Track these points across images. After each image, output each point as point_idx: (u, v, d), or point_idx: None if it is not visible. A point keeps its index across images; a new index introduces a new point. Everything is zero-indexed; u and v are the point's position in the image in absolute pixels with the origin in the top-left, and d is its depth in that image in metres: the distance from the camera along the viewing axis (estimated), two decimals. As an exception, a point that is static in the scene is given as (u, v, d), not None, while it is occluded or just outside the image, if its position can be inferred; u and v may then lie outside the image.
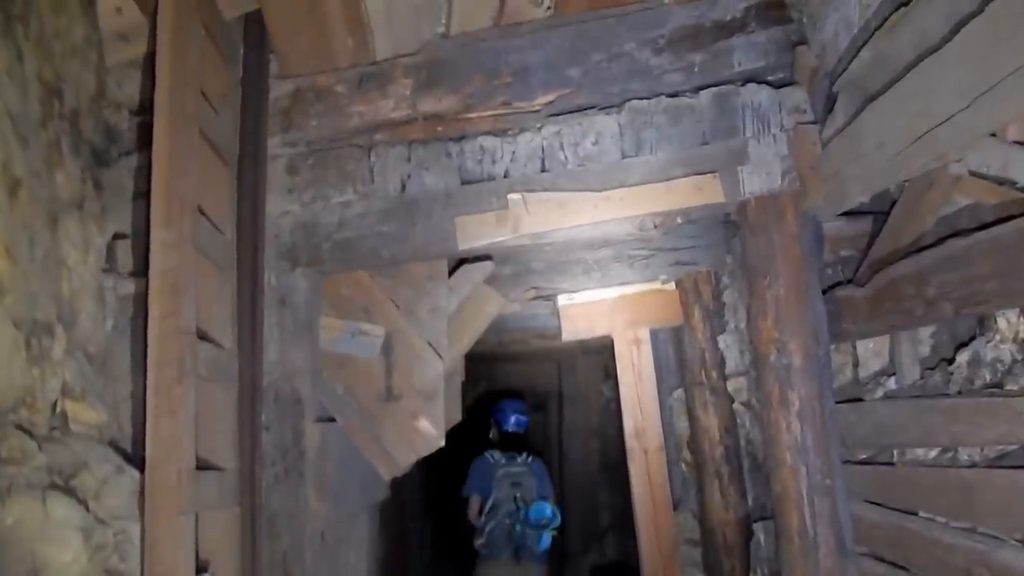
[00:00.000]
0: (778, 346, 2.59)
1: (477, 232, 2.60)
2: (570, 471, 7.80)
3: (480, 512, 4.77)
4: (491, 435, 5.30)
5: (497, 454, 4.97)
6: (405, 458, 2.74)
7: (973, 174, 1.98)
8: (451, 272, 2.95)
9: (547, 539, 4.67)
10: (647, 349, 3.66)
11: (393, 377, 2.76)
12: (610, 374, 7.86)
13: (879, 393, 2.46)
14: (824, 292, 2.67)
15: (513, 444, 5.05)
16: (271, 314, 2.62)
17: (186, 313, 2.06)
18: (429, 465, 8.96)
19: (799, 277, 2.59)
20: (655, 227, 2.69)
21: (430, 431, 2.74)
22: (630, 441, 3.62)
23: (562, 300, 3.72)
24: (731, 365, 3.59)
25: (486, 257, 3.01)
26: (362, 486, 3.03)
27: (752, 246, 2.67)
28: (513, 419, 5.20)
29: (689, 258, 3.64)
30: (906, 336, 2.36)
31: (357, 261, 2.65)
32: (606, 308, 3.67)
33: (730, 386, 3.48)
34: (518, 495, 4.72)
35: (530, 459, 4.97)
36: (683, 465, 4.14)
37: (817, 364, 2.56)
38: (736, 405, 3.51)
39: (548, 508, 4.69)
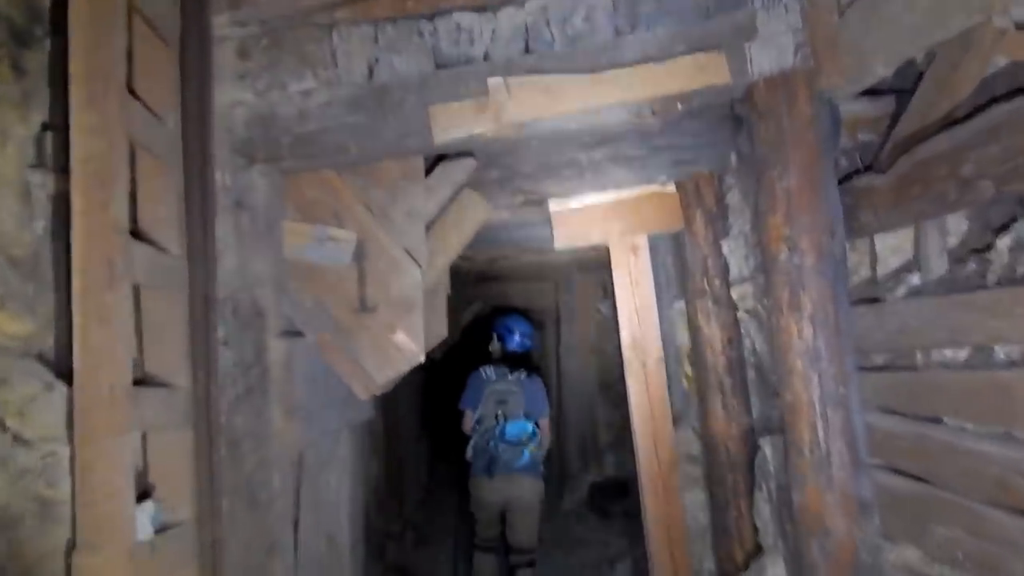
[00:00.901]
0: (789, 244, 2.34)
1: (455, 122, 2.31)
2: (568, 390, 7.70)
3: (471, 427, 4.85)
4: (491, 348, 5.27)
5: (490, 370, 4.97)
6: (382, 374, 2.53)
7: (1021, 28, 1.70)
8: (429, 171, 2.67)
9: (527, 456, 4.66)
10: (645, 256, 3.42)
11: (367, 287, 2.53)
12: (608, 292, 7.68)
13: (900, 291, 2.22)
14: (840, 183, 2.41)
15: (511, 362, 5.02)
16: (226, 217, 2.36)
17: (116, 209, 1.80)
18: (427, 384, 8.92)
19: (813, 166, 2.32)
20: (653, 114, 2.40)
21: (408, 345, 2.51)
22: (627, 353, 3.41)
23: (553, 206, 3.45)
24: (735, 271, 3.35)
25: (467, 155, 2.73)
26: (339, 405, 2.83)
27: (761, 134, 2.39)
28: (517, 339, 5.17)
29: (690, 157, 3.35)
30: (933, 225, 2.11)
31: (322, 157, 2.37)
32: (601, 213, 3.41)
33: (734, 293, 3.25)
34: (500, 412, 4.74)
35: (524, 376, 4.94)
36: (684, 380, 3.95)
37: (831, 262, 2.32)
38: (740, 314, 3.29)
39: (527, 425, 4.67)
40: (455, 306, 8.34)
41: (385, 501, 6.45)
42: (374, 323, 2.52)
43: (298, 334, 2.52)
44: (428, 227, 3.06)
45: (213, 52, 2.32)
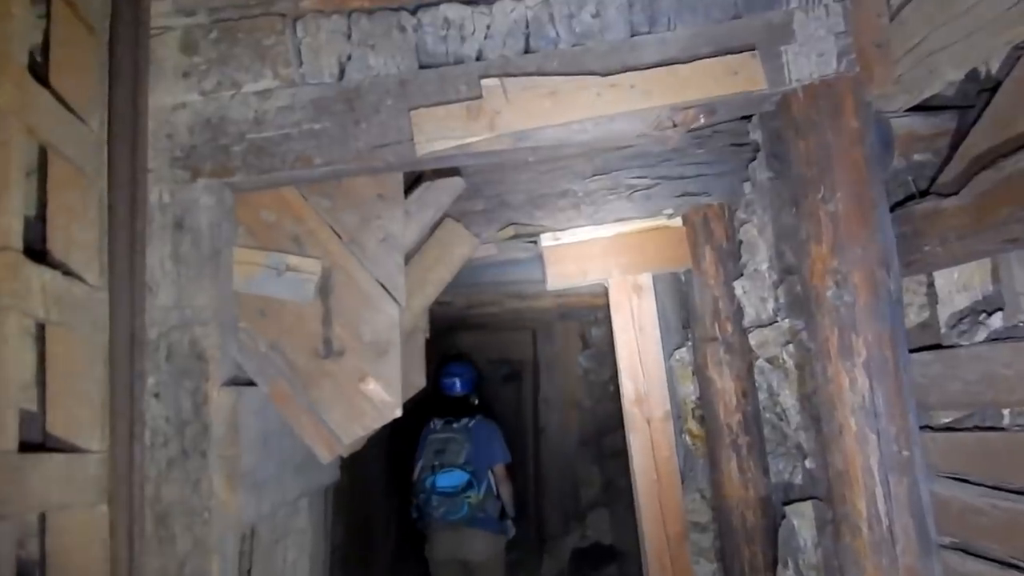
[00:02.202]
0: (837, 278, 1.98)
1: (441, 130, 1.94)
2: (547, 446, 7.26)
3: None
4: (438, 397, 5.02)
5: (438, 421, 4.76)
6: (349, 432, 2.09)
7: None
8: (408, 190, 2.28)
9: (466, 508, 4.38)
10: (649, 298, 3.04)
11: (333, 327, 2.11)
12: (588, 343, 7.31)
13: (979, 335, 1.85)
14: (891, 209, 2.06)
15: (455, 408, 4.81)
16: (162, 241, 1.94)
17: (5, 221, 1.38)
18: (394, 435, 8.37)
19: (862, 188, 1.98)
20: (674, 126, 2.05)
21: (382, 396, 2.09)
22: (630, 408, 3.01)
23: (547, 240, 3.08)
24: (751, 315, 2.99)
25: (453, 172, 2.36)
26: (298, 469, 2.38)
27: (800, 151, 2.05)
28: (457, 384, 4.95)
29: (698, 188, 3.01)
30: (1019, 258, 1.76)
31: (281, 171, 1.97)
32: (600, 249, 3.04)
33: (752, 340, 2.87)
34: (436, 462, 4.51)
35: (472, 423, 4.66)
36: (687, 436, 3.55)
37: (888, 301, 1.96)
38: (759, 363, 2.91)
39: (460, 475, 4.42)
40: (428, 356, 7.90)
41: (350, 565, 5.89)
42: (341, 370, 2.09)
43: (248, 383, 2.08)
44: (408, 258, 2.66)
45: (151, 44, 1.94)
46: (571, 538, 6.46)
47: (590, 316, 6.76)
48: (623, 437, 6.21)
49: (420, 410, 6.99)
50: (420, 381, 2.92)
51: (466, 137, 1.93)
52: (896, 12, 1.94)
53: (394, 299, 2.14)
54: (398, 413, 2.12)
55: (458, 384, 4.99)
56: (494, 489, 4.55)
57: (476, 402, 5.08)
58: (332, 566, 4.85)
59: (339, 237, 2.14)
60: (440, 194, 2.32)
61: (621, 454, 6.49)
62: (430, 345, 7.52)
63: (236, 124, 1.96)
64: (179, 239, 1.95)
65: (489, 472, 4.57)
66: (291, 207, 2.13)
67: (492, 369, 9.17)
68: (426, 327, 3.06)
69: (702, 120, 2.09)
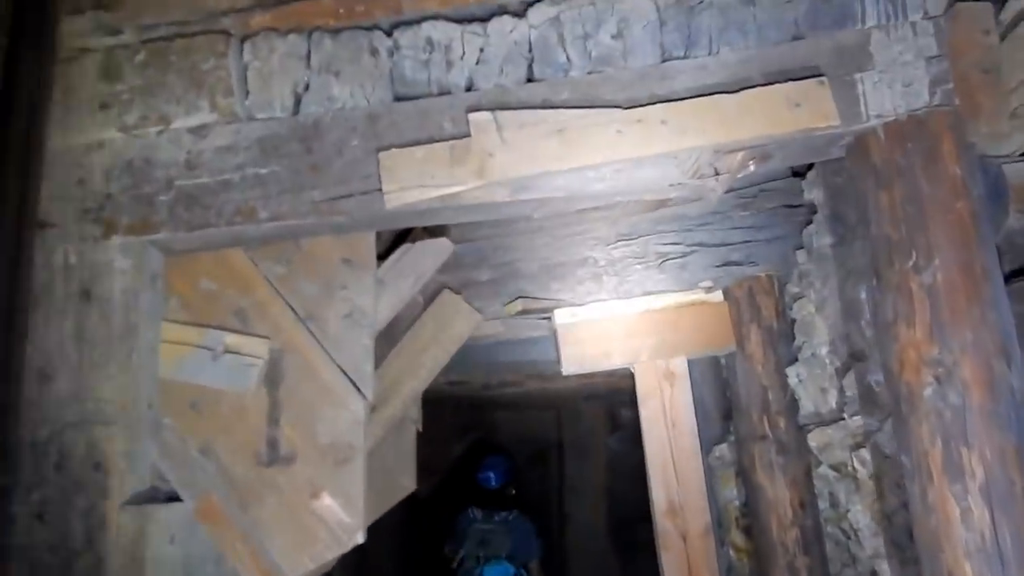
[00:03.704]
0: (938, 372, 1.49)
1: (418, 176, 1.51)
2: (574, 534, 6.67)
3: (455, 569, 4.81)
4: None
5: (477, 510, 4.95)
6: (296, 565, 1.60)
7: None
8: (383, 255, 1.85)
9: None
10: (684, 386, 2.55)
11: (281, 425, 1.65)
12: (617, 424, 6.78)
13: None
14: (1007, 280, 1.59)
15: (494, 501, 5.01)
16: (64, 315, 1.52)
17: None
18: (410, 524, 7.80)
19: (969, 253, 1.51)
20: (717, 174, 1.60)
21: (339, 518, 1.61)
22: (662, 521, 2.48)
23: (562, 317, 2.61)
24: (808, 408, 2.48)
25: (440, 233, 1.93)
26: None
27: (881, 206, 1.59)
28: (483, 476, 5.17)
29: (743, 256, 2.55)
30: None
31: (217, 227, 1.55)
32: (625, 328, 2.57)
33: (812, 441, 2.36)
34: (480, 553, 4.72)
35: (511, 516, 4.92)
36: (731, 551, 2.99)
37: (1010, 403, 1.47)
38: (821, 469, 2.38)
39: (508, 568, 4.65)
40: (445, 436, 7.41)
41: None
42: (289, 482, 1.63)
43: (169, 499, 1.62)
44: (387, 338, 2.23)
45: (65, 69, 1.56)
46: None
47: (618, 396, 6.29)
48: (649, 527, 5.64)
49: (436, 498, 6.48)
50: (410, 484, 2.44)
51: (450, 186, 1.50)
52: (1010, 28, 1.51)
53: (359, 391, 1.68)
54: (360, 539, 1.63)
55: (493, 478, 5.16)
56: None
57: (512, 493, 5.22)
58: None
59: (294, 312, 1.71)
60: (422, 259, 1.89)
61: (646, 546, 5.89)
62: (449, 423, 7.04)
63: (164, 168, 1.56)
64: (85, 312, 1.53)
65: (526, 569, 4.79)
66: (237, 274, 1.70)
67: (515, 450, 8.62)
68: (418, 418, 2.59)
69: (752, 167, 1.65)
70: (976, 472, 1.45)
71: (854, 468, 2.20)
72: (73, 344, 1.52)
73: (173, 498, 1.62)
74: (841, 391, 2.32)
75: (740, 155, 1.59)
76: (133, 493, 1.51)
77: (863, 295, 2.17)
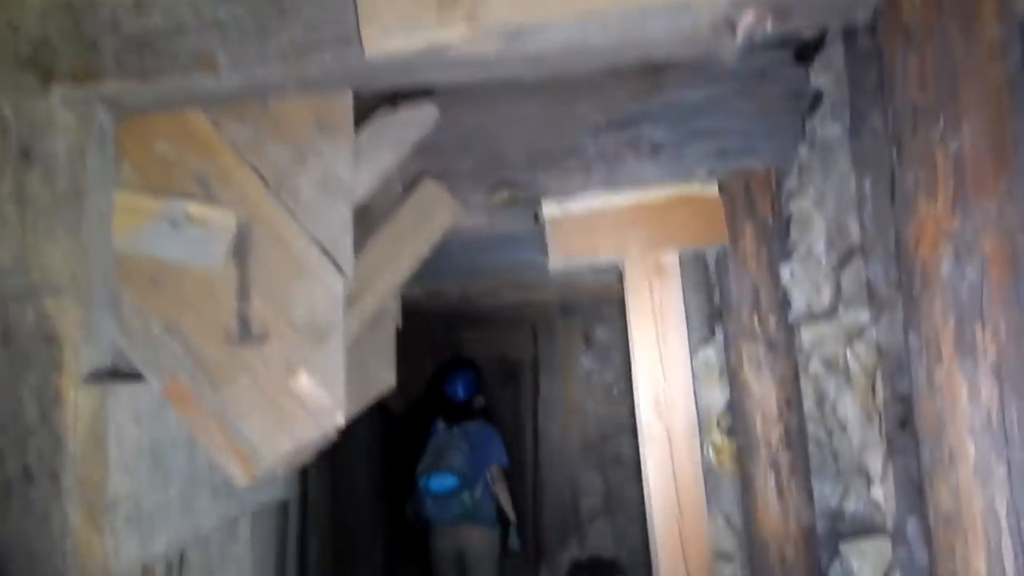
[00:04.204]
0: (957, 246, 1.40)
1: (402, 19, 1.35)
2: (546, 452, 6.74)
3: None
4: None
5: (441, 423, 5.08)
6: (273, 447, 1.51)
7: None
8: (360, 120, 1.70)
9: (458, 507, 4.73)
10: (675, 282, 2.45)
11: (252, 301, 1.52)
12: (591, 342, 6.78)
13: None
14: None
15: (462, 413, 5.13)
16: (0, 174, 1.36)
17: None
18: (388, 442, 7.82)
19: (1001, 121, 1.40)
20: (732, 30, 1.46)
21: (319, 398, 1.50)
22: (646, 416, 2.42)
23: (549, 210, 2.49)
24: (800, 306, 2.41)
25: (425, 94, 1.77)
26: (219, 489, 1.80)
27: (911, 70, 1.46)
28: (450, 387, 5.31)
29: (741, 146, 2.43)
30: None
31: (171, 75, 1.39)
32: (614, 221, 2.45)
33: (805, 336, 2.30)
34: (433, 465, 4.86)
35: (473, 427, 5.01)
36: (710, 451, 2.97)
37: (1031, 280, 1.39)
38: (813, 365, 2.33)
39: (450, 478, 4.75)
40: (421, 356, 7.36)
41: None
42: (263, 361, 1.51)
43: (131, 376, 1.50)
44: (363, 227, 2.09)
45: None
46: (569, 551, 5.90)
47: (594, 313, 6.27)
48: (627, 443, 5.66)
49: (414, 417, 6.47)
50: (389, 378, 2.34)
51: (437, 31, 1.35)
52: None
53: (337, 266, 1.55)
54: (340, 421, 1.53)
55: (460, 389, 5.29)
56: (491, 490, 4.85)
57: (482, 404, 5.35)
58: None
59: (263, 180, 1.56)
60: (404, 127, 1.73)
61: (625, 461, 5.94)
62: (425, 343, 7.00)
63: (108, 8, 1.38)
64: (25, 173, 1.37)
65: (487, 473, 4.85)
66: (197, 137, 1.54)
67: (490, 368, 8.61)
68: (398, 314, 2.48)
69: (769, 26, 1.51)
70: (988, 350, 1.38)
71: (846, 363, 2.15)
72: (13, 208, 1.37)
73: (133, 376, 1.50)
74: (836, 287, 2.25)
75: (757, 10, 1.45)
76: (91, 369, 1.38)
77: (867, 186, 2.08)
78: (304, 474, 3.99)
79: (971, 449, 1.39)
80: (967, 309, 1.39)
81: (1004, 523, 1.36)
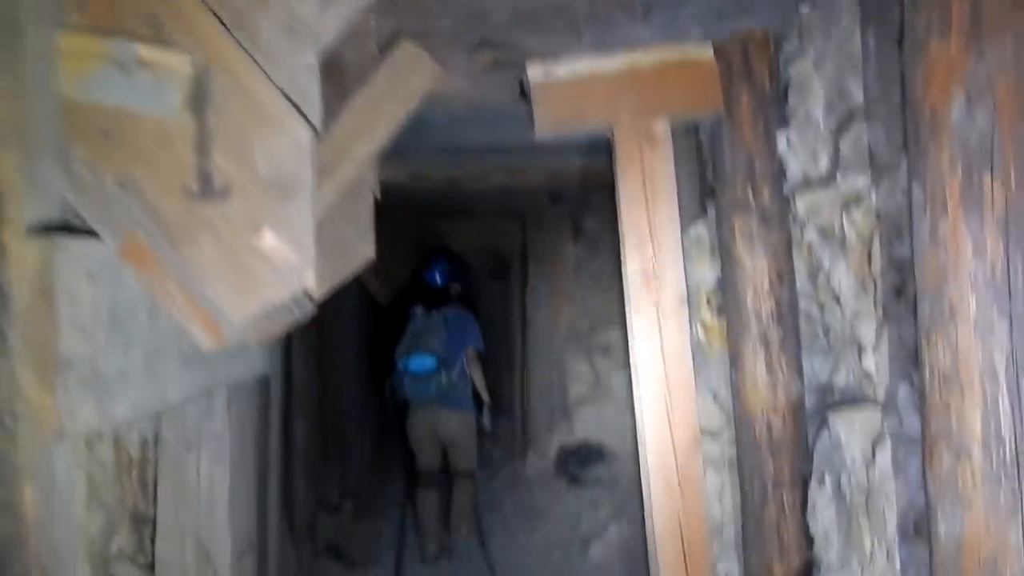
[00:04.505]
0: (968, 89, 1.30)
1: None
2: (534, 340, 6.78)
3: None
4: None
5: (419, 308, 5.22)
6: (240, 309, 1.44)
7: None
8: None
9: (433, 389, 4.88)
10: (666, 150, 2.34)
11: (212, 155, 1.42)
12: (580, 231, 6.70)
13: None
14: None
15: (440, 299, 5.27)
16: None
17: None
18: (374, 332, 7.86)
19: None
20: None
21: (285, 256, 1.42)
22: (635, 289, 2.36)
23: (536, 74, 2.35)
24: (795, 175, 2.32)
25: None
26: (190, 357, 1.75)
27: None
28: (429, 274, 5.43)
29: (737, 6, 2.27)
30: None
31: None
32: (604, 86, 2.32)
33: (801, 204, 2.22)
34: (412, 347, 5.01)
35: (450, 312, 5.15)
36: (699, 329, 2.95)
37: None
38: (808, 234, 2.26)
39: (429, 360, 4.90)
40: (407, 247, 7.29)
41: (318, 469, 5.42)
42: (225, 218, 1.42)
43: (85, 233, 1.41)
44: (336, 90, 1.96)
45: None
46: (557, 436, 6.01)
47: (583, 202, 6.17)
48: (614, 333, 5.68)
49: (399, 307, 6.47)
50: (368, 251, 2.26)
51: None
52: None
53: (303, 116, 1.44)
54: (309, 282, 1.46)
55: (438, 276, 5.41)
56: (467, 373, 5.03)
57: (459, 291, 5.45)
58: (290, 474, 4.35)
59: (219, 20, 1.43)
60: (375, -37, 1.59)
61: (613, 350, 5.98)
62: (410, 231, 6.95)
63: None
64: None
65: (463, 357, 5.02)
66: (145, -30, 1.40)
67: (478, 260, 8.57)
68: (376, 183, 2.37)
69: None
70: (996, 201, 1.30)
71: (842, 230, 2.07)
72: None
73: (86, 233, 1.42)
74: (835, 152, 2.15)
75: None
76: (36, 221, 1.29)
77: (872, 41, 1.95)
78: (288, 356, 3.97)
79: (972, 304, 1.34)
80: (976, 157, 1.31)
81: (1002, 379, 1.33)
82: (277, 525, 3.49)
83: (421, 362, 4.94)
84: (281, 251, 1.42)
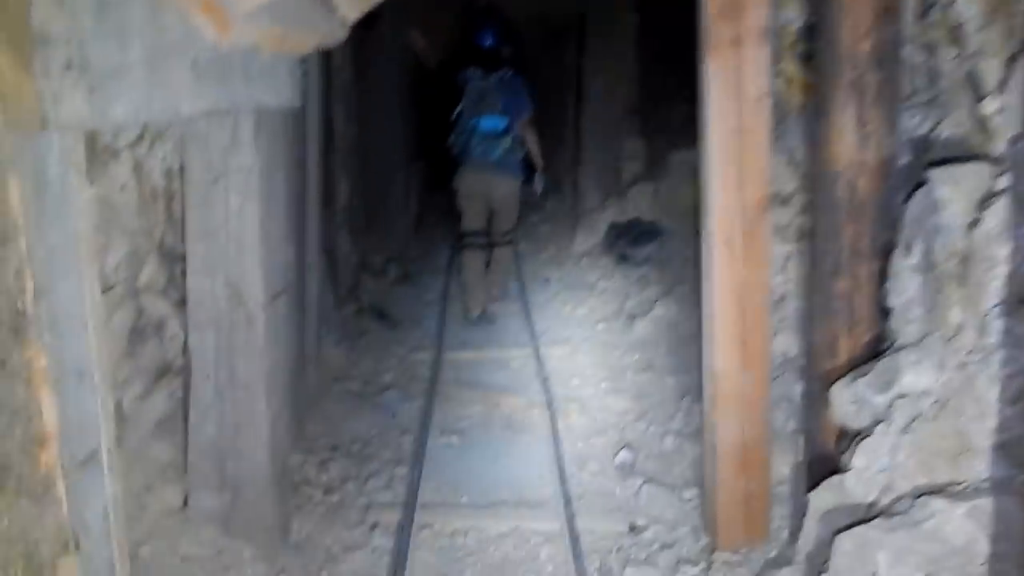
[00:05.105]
0: None
1: None
2: (589, 114, 6.39)
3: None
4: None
5: (475, 69, 5.09)
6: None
7: None
8: None
9: (499, 150, 4.91)
10: None
11: None
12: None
13: None
14: None
15: (491, 61, 5.13)
16: None
17: None
18: (421, 97, 7.54)
19: None
20: None
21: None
22: (711, 20, 2.01)
23: None
24: None
25: None
26: (203, 66, 1.52)
27: None
28: (480, 35, 5.24)
29: None
30: None
31: None
32: None
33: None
34: (477, 108, 4.95)
35: (506, 76, 5.05)
36: (781, 81, 2.61)
37: None
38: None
39: (500, 121, 4.91)
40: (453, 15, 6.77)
41: (361, 231, 5.39)
42: None
43: None
44: None
45: None
46: (609, 212, 5.82)
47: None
48: (676, 108, 5.27)
49: (446, 70, 6.11)
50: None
51: None
52: None
53: None
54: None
55: (489, 37, 5.21)
56: (520, 138, 5.02)
57: (509, 55, 5.25)
58: (332, 233, 4.27)
59: None
60: None
61: (672, 127, 5.59)
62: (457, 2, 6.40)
63: None
64: None
65: (517, 122, 4.96)
66: None
67: (529, 28, 7.95)
68: None
69: None
70: None
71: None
72: None
73: None
74: None
75: None
76: None
77: None
78: (327, 102, 3.74)
79: None
80: None
81: None
82: (319, 278, 3.45)
83: (492, 122, 4.92)
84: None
